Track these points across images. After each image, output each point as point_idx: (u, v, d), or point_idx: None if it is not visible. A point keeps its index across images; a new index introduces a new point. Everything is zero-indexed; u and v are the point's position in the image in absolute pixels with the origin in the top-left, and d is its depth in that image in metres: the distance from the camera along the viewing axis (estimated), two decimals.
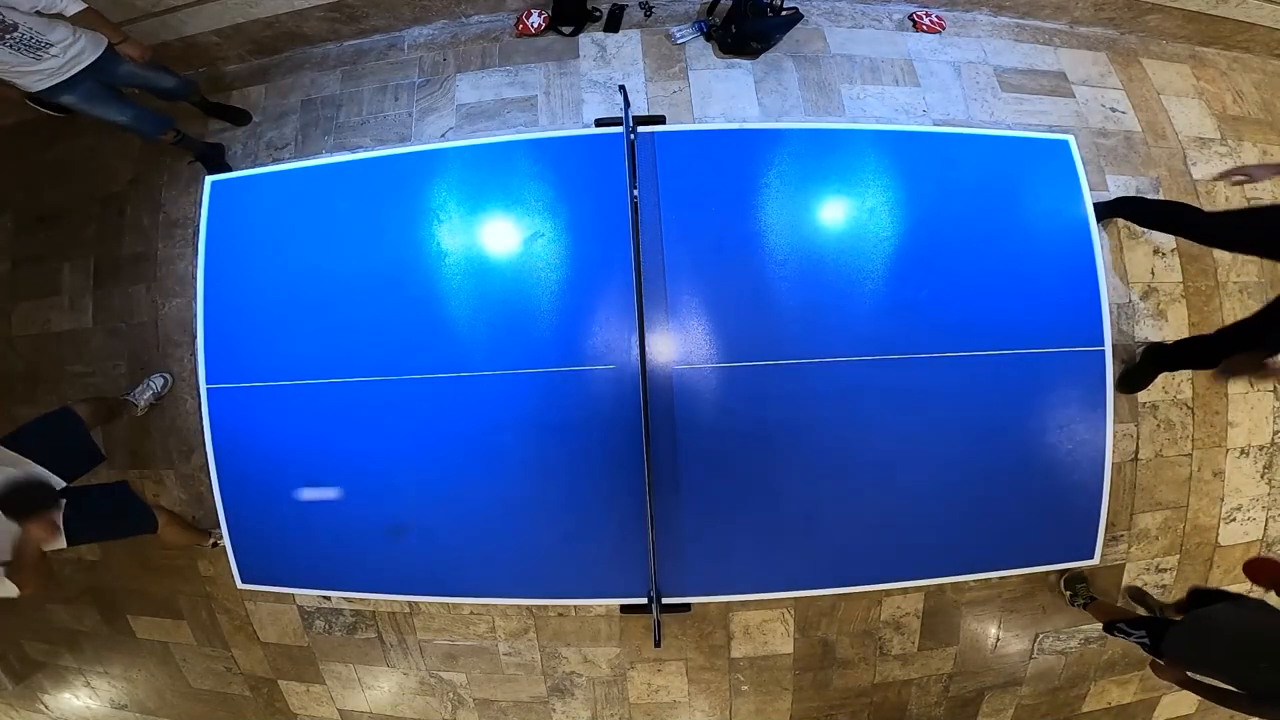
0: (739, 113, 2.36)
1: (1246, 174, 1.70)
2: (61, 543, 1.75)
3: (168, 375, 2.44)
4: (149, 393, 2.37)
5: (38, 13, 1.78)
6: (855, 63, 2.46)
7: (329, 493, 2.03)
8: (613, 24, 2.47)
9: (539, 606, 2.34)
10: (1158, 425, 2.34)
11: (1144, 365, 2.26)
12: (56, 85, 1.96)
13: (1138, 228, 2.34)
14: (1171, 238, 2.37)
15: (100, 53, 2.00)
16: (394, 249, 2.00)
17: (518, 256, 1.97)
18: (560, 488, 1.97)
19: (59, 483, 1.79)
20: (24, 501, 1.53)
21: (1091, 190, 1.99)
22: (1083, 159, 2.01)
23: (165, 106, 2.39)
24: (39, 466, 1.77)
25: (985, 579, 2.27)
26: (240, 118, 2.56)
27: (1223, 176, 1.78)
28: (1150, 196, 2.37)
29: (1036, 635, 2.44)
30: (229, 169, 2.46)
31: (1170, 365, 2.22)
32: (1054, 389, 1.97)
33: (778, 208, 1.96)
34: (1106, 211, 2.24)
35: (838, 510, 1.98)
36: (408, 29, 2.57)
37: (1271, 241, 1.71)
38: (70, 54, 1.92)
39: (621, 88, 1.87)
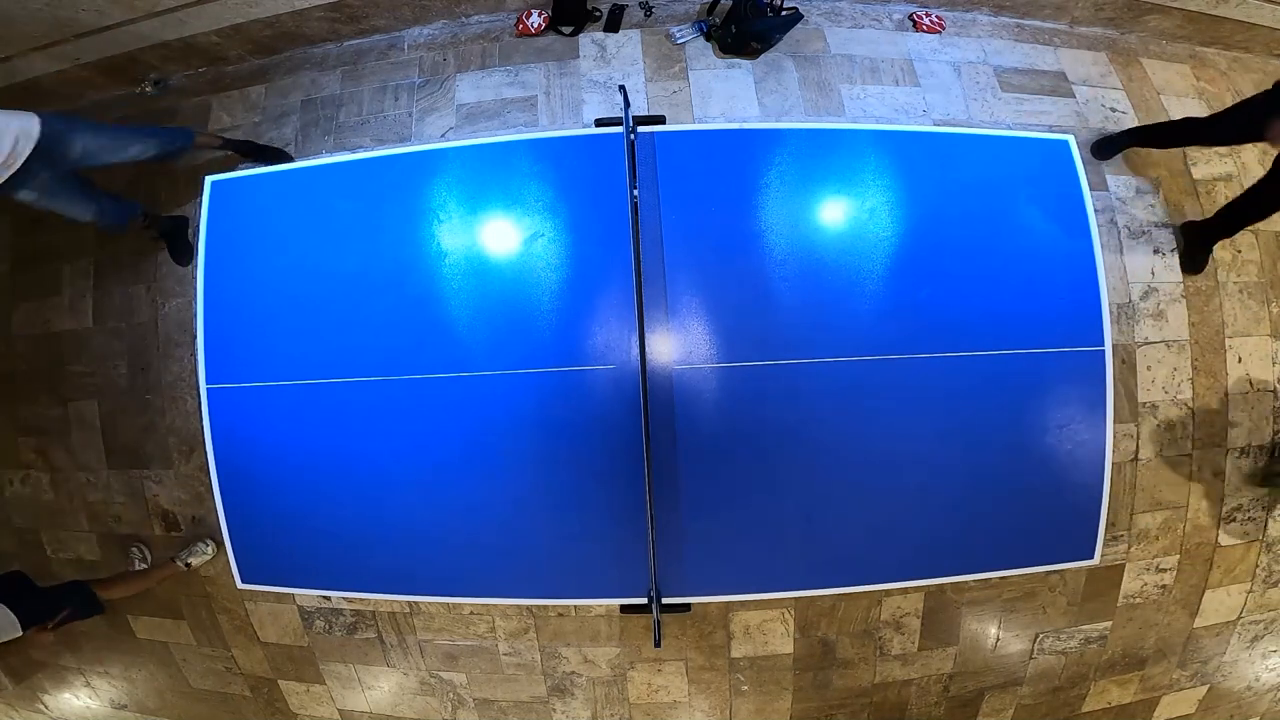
0: (739, 113, 2.36)
1: None
2: (17, 633, 1.88)
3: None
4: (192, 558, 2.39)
5: None
6: (855, 63, 2.46)
7: (329, 493, 2.03)
8: (613, 24, 2.47)
9: (539, 606, 2.34)
10: (1158, 425, 2.34)
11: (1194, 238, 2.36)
12: (9, 181, 1.72)
13: (1137, 226, 2.35)
14: (1171, 237, 2.38)
15: (36, 135, 1.71)
16: (394, 249, 2.00)
17: (518, 256, 1.97)
18: (560, 488, 1.97)
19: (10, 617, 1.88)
20: None
21: (1091, 190, 1.99)
22: (1083, 159, 2.01)
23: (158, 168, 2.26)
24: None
25: (985, 579, 2.27)
26: (278, 158, 2.39)
27: None
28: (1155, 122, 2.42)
29: (1036, 635, 2.44)
30: (192, 249, 2.32)
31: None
32: (1054, 389, 1.97)
33: (778, 208, 1.96)
34: (1112, 148, 2.36)
35: (838, 510, 1.98)
36: (408, 29, 2.57)
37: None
38: (4, 147, 1.66)
39: (621, 88, 1.87)
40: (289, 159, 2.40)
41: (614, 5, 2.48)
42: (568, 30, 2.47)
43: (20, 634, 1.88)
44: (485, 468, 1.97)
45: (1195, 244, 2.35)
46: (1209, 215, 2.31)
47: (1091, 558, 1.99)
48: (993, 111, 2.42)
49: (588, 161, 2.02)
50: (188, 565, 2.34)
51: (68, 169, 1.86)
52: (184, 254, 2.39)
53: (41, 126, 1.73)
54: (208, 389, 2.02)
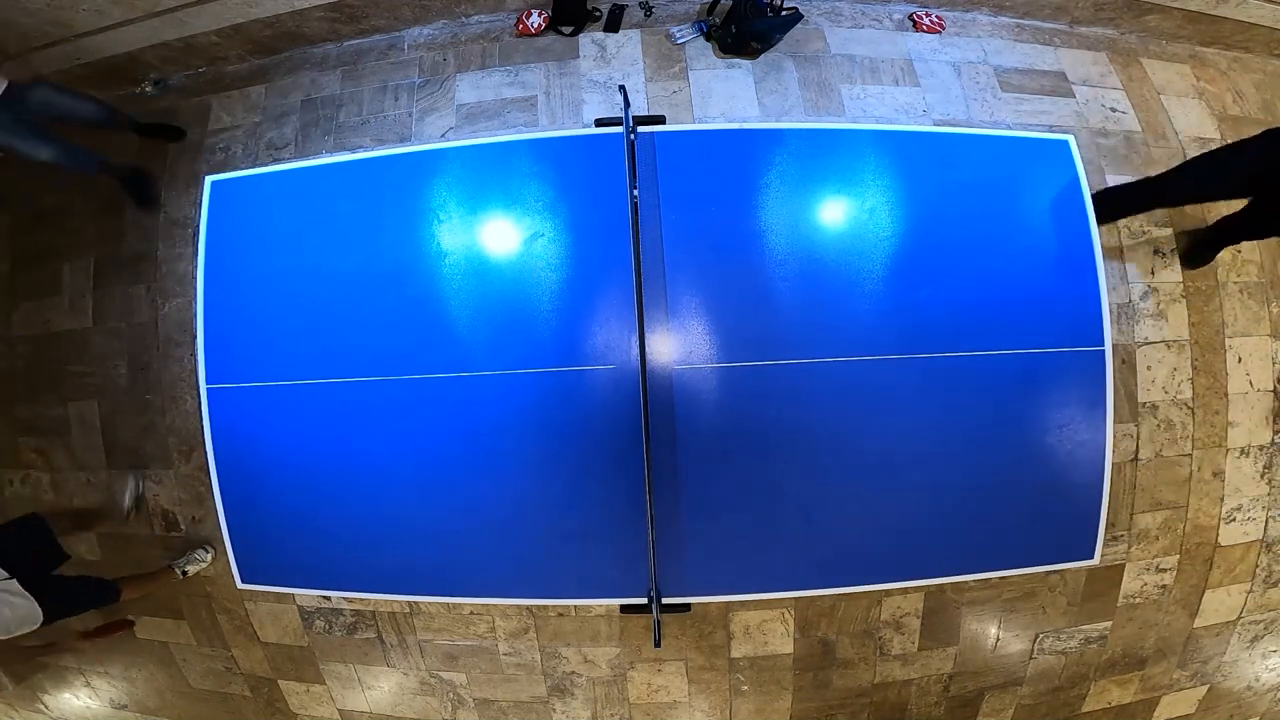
0: (739, 113, 2.35)
1: None
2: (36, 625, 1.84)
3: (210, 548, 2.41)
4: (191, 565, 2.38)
5: None
6: (855, 63, 2.45)
7: (329, 493, 2.03)
8: (613, 24, 2.47)
9: (539, 606, 2.34)
10: (1158, 425, 2.34)
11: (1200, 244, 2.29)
12: None
13: (1137, 226, 2.35)
14: (1172, 237, 2.38)
15: (3, 85, 1.95)
16: (394, 249, 2.00)
17: (518, 256, 1.97)
18: (560, 488, 1.97)
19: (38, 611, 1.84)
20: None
21: (1091, 190, 1.99)
22: (1083, 159, 2.01)
23: (96, 140, 2.32)
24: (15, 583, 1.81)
25: (985, 579, 2.27)
26: (173, 134, 2.51)
27: None
28: (1119, 184, 2.34)
29: (1036, 635, 2.44)
30: (157, 198, 2.40)
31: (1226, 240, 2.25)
32: (1054, 389, 1.97)
33: (778, 208, 1.96)
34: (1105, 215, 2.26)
35: (838, 510, 1.98)
36: (408, 29, 2.57)
37: (1248, 182, 1.76)
38: None
39: (621, 88, 1.87)
40: (183, 133, 2.51)
41: (614, 5, 2.48)
42: (568, 30, 2.47)
43: (38, 626, 1.82)
44: (485, 467, 1.98)
45: (1201, 244, 2.34)
46: (1208, 215, 2.31)
47: (1091, 558, 1.99)
48: (993, 111, 2.41)
49: (588, 161, 2.02)
50: (184, 573, 2.34)
51: (28, 113, 2.03)
52: (148, 201, 2.41)
53: (6, 79, 1.96)
54: (208, 389, 2.03)
